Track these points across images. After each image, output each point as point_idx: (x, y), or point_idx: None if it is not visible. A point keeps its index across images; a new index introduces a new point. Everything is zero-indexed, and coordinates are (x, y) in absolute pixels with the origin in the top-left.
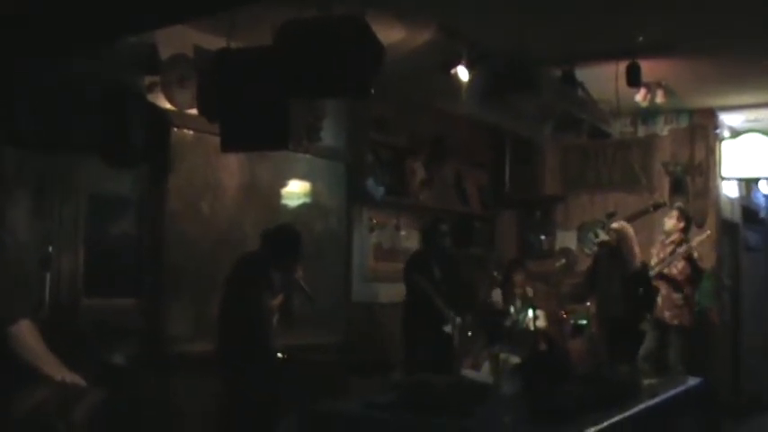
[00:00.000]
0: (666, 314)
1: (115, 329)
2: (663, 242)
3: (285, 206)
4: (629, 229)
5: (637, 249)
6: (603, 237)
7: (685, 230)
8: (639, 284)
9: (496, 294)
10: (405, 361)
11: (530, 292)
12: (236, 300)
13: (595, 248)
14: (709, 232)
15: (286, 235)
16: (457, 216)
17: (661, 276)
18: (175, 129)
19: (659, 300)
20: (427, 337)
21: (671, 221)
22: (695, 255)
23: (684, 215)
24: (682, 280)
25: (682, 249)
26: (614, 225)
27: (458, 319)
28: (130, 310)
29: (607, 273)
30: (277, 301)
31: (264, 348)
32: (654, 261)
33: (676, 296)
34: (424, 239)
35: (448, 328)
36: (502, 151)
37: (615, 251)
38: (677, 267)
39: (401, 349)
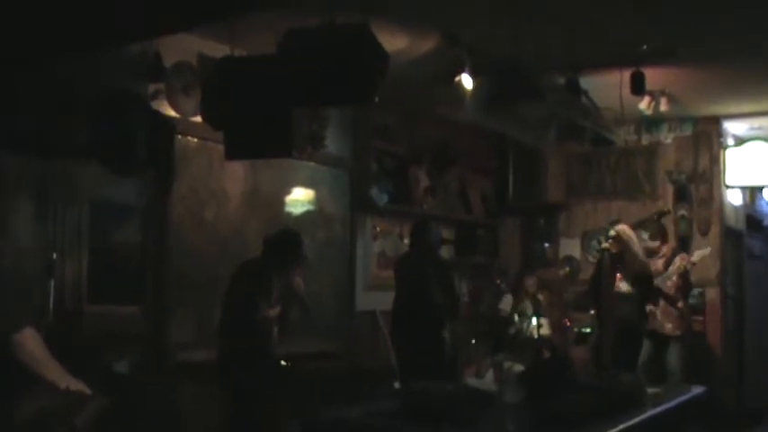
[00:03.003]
0: (668, 326)
1: (119, 336)
2: (652, 259)
3: (289, 214)
4: (628, 232)
5: (638, 250)
6: (605, 244)
7: (664, 241)
8: (642, 285)
9: (507, 301)
10: (401, 367)
11: (541, 298)
12: (234, 309)
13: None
14: (709, 249)
15: (287, 238)
16: (460, 224)
17: (657, 290)
18: (179, 136)
19: (658, 313)
20: (425, 341)
21: (648, 243)
22: (689, 267)
23: (659, 231)
24: (675, 293)
25: (675, 266)
26: (612, 232)
27: (448, 325)
28: (134, 317)
29: (610, 278)
30: (274, 312)
31: (264, 357)
32: None
33: (673, 309)
34: (413, 240)
35: (446, 333)
36: (505, 159)
37: (616, 257)
38: (672, 280)
39: (396, 354)
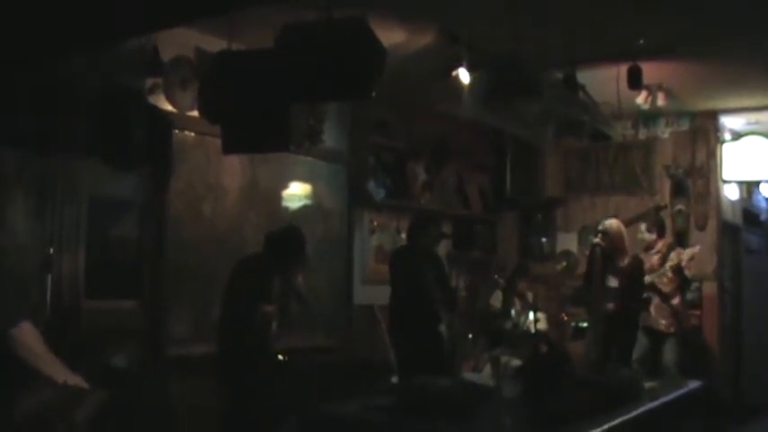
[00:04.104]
0: (662, 323)
1: (116, 331)
2: (647, 254)
3: (286, 208)
4: (614, 227)
5: (625, 246)
6: (595, 239)
7: (661, 235)
8: (631, 280)
9: (497, 297)
10: (399, 362)
11: (529, 296)
12: (233, 304)
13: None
14: (698, 247)
15: (290, 238)
16: (458, 219)
17: (651, 287)
18: (177, 131)
19: (652, 309)
20: (422, 336)
21: (644, 235)
22: (683, 264)
23: (656, 224)
24: (671, 290)
25: (671, 263)
26: (600, 226)
27: (446, 318)
28: (131, 312)
29: (601, 273)
30: (273, 307)
31: (262, 352)
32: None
33: (667, 306)
34: (410, 236)
35: (443, 328)
36: (503, 154)
37: (605, 251)
38: (667, 276)
39: (394, 349)
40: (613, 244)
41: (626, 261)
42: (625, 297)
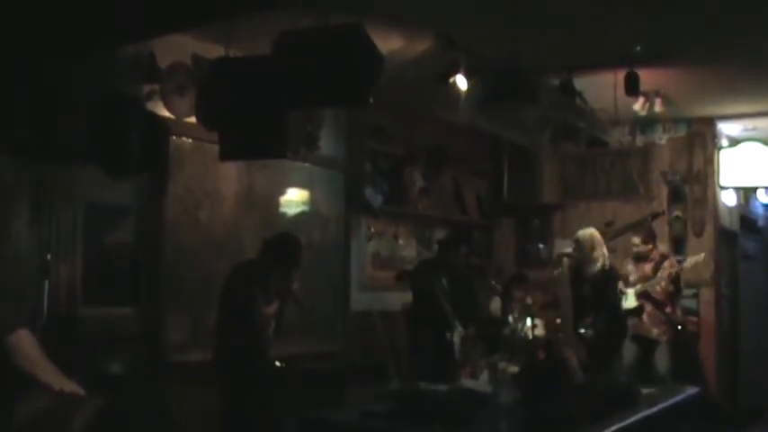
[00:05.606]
0: (654, 331)
1: (114, 338)
2: (638, 263)
3: (283, 215)
4: (587, 236)
5: (596, 255)
6: (567, 249)
7: (653, 245)
8: (601, 289)
9: (495, 303)
10: (406, 368)
11: (528, 300)
12: (230, 308)
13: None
14: (703, 255)
15: (287, 244)
16: (455, 225)
17: (644, 295)
18: (174, 137)
19: (645, 317)
20: (430, 345)
21: (640, 248)
22: (680, 272)
23: (649, 234)
24: (664, 298)
25: (666, 272)
26: (575, 236)
27: (461, 331)
28: (129, 318)
29: (570, 284)
30: (271, 309)
31: (261, 357)
32: (632, 278)
33: (660, 314)
34: (441, 250)
35: (449, 336)
36: (500, 160)
37: (577, 262)
38: (660, 285)
39: (403, 355)
40: (584, 253)
41: (595, 271)
42: (596, 307)
